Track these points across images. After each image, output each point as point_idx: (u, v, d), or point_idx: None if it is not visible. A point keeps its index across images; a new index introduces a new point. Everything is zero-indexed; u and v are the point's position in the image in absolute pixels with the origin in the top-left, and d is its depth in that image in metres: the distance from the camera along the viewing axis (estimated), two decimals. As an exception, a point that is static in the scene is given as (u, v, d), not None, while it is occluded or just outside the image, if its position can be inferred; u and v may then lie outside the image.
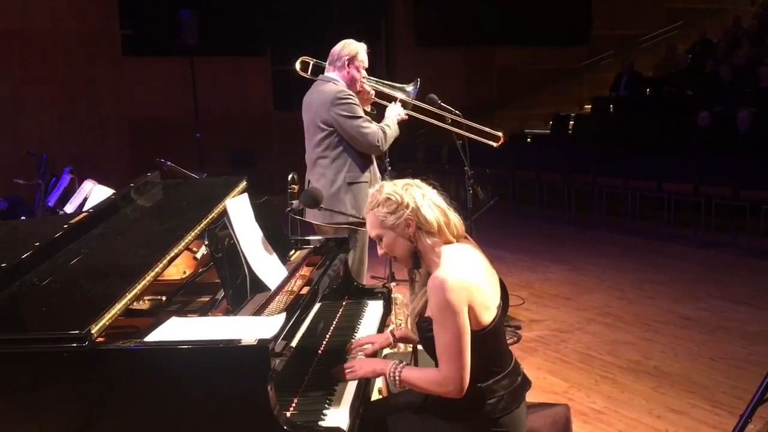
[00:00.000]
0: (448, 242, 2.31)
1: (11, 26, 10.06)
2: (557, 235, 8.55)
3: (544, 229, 8.89)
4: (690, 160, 8.22)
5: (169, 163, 5.17)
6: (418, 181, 2.37)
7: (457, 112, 4.51)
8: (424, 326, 2.30)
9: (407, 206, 2.27)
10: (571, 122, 11.98)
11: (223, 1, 10.90)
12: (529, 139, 12.13)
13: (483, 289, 2.25)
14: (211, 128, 10.46)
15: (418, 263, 2.35)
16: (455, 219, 2.35)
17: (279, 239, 2.86)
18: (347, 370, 2.38)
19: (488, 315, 2.26)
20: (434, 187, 2.39)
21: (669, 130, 9.52)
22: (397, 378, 2.30)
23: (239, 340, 1.97)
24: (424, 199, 2.30)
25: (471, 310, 2.19)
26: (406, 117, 4.32)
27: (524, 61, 13.73)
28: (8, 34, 10.03)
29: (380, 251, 2.38)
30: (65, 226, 2.65)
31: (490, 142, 4.58)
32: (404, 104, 4.32)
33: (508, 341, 4.76)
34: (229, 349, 1.95)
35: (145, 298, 2.61)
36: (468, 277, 2.22)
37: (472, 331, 2.19)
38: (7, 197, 7.17)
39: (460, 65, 13.44)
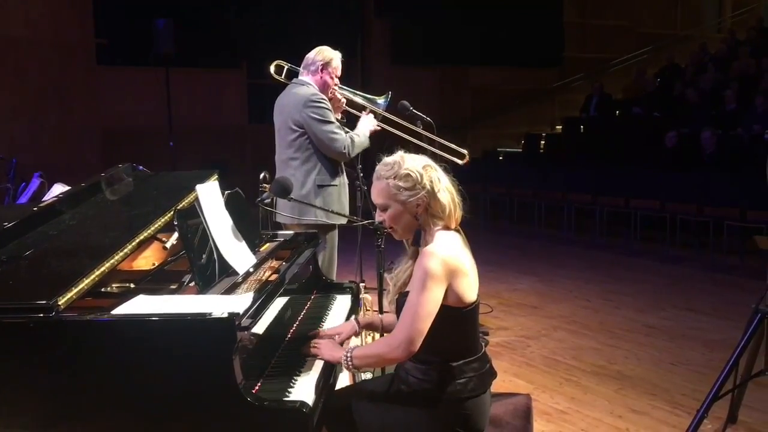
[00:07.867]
0: (447, 228, 2.36)
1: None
2: (527, 249, 8.67)
3: (514, 244, 9.00)
4: (657, 178, 8.42)
5: (141, 167, 5.18)
6: (434, 163, 2.39)
7: (428, 119, 4.56)
8: (403, 302, 2.32)
9: (424, 187, 2.30)
10: (543, 141, 12.19)
11: (200, 12, 10.93)
12: (501, 157, 12.29)
13: (467, 272, 2.31)
14: (185, 139, 10.43)
15: (418, 240, 2.39)
16: (458, 208, 2.39)
17: (249, 228, 2.89)
18: (311, 345, 2.45)
19: (471, 295, 2.32)
20: (447, 172, 2.42)
21: (637, 150, 9.74)
22: (350, 359, 2.32)
23: (207, 313, 1.99)
24: (440, 183, 2.33)
25: (453, 289, 2.25)
26: (379, 128, 4.36)
27: (498, 81, 13.95)
28: (-19, 40, 9.96)
29: (378, 217, 2.40)
30: (34, 209, 2.66)
31: (456, 159, 4.50)
32: (374, 115, 4.37)
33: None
34: (197, 321, 1.98)
35: (114, 285, 2.63)
36: (455, 258, 2.27)
37: (456, 308, 2.25)
38: (-27, 200, 7.09)
39: (435, 84, 13.60)
